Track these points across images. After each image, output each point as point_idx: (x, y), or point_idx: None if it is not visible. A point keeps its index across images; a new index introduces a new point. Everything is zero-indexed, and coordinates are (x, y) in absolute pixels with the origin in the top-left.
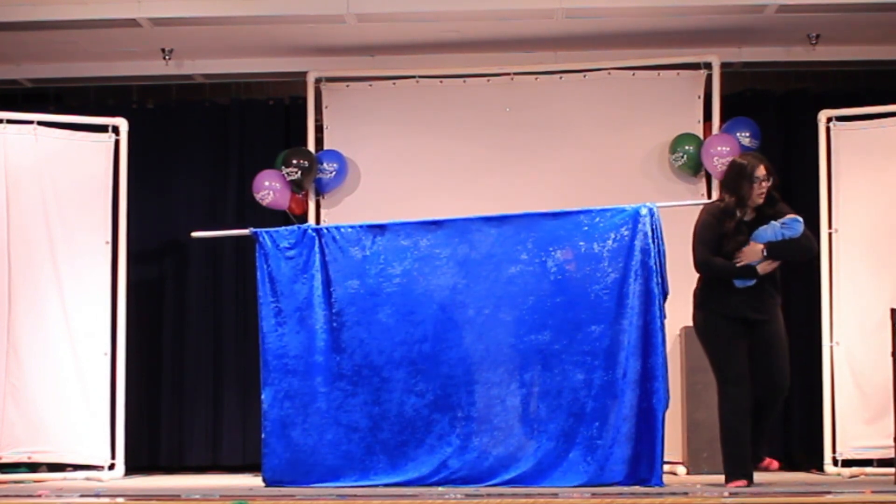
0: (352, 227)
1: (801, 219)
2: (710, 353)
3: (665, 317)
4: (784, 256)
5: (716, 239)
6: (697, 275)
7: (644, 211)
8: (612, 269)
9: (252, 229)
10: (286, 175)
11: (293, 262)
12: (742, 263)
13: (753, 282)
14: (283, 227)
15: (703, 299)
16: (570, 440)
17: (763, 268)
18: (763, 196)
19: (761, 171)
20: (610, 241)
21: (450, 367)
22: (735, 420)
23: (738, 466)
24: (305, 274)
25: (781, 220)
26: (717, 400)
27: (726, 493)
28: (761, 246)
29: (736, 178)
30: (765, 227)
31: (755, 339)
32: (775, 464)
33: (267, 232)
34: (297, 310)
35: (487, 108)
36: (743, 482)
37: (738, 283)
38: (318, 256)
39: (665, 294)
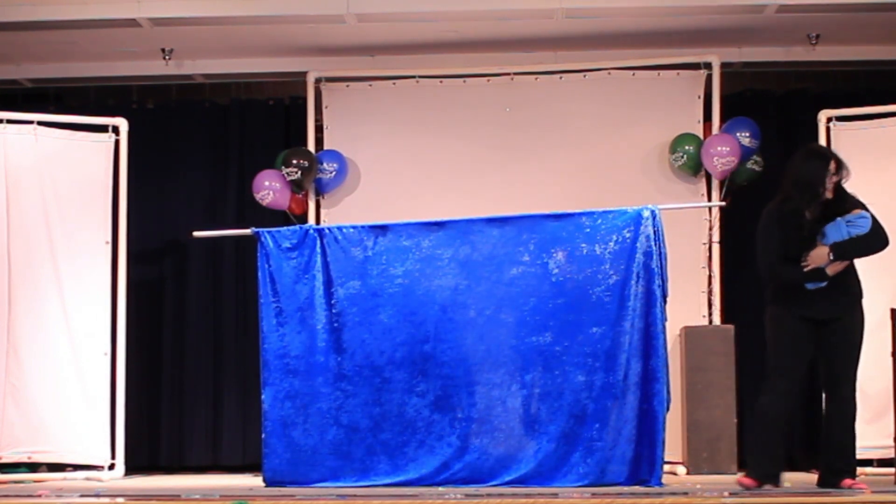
0: (353, 227)
1: (868, 214)
2: (770, 344)
3: (666, 319)
4: (852, 255)
5: (780, 243)
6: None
7: (646, 213)
8: (614, 271)
9: (254, 229)
10: (286, 175)
11: (295, 262)
12: (810, 268)
13: (824, 283)
14: (284, 228)
15: (775, 295)
16: (570, 442)
17: (832, 269)
18: (831, 192)
19: (833, 164)
20: (612, 243)
21: (451, 367)
22: (766, 416)
23: (756, 464)
24: (307, 274)
25: (846, 218)
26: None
27: (726, 494)
28: (827, 249)
29: (804, 173)
30: (832, 224)
31: (822, 339)
32: (858, 484)
33: (269, 232)
34: (299, 310)
35: (487, 108)
36: (752, 482)
37: (810, 286)
38: (319, 257)
39: (665, 296)
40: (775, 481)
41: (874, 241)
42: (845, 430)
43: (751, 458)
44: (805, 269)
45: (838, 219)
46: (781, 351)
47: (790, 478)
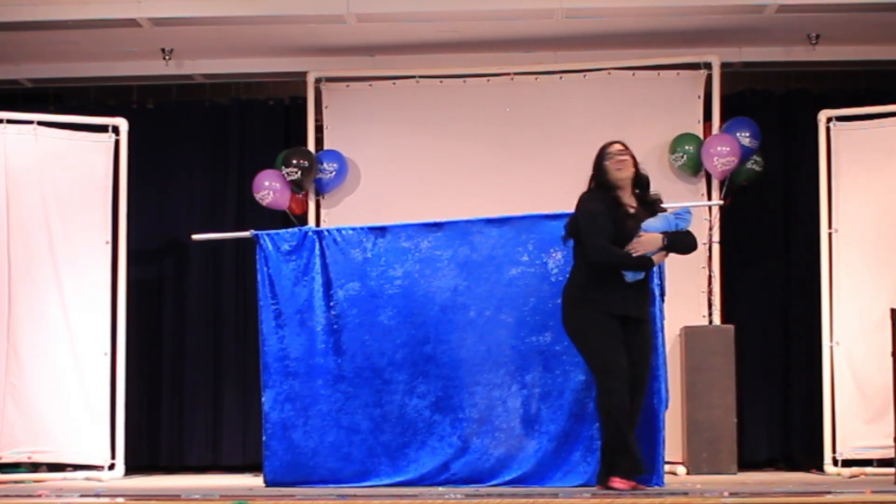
0: (353, 229)
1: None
2: (592, 348)
3: (664, 317)
4: (678, 248)
5: (610, 227)
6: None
7: None
8: None
9: (253, 231)
10: (286, 175)
11: (294, 264)
12: (639, 253)
13: (643, 275)
14: (283, 230)
15: (586, 294)
16: (570, 441)
17: (659, 258)
18: (625, 169)
19: (615, 147)
20: None
21: (451, 368)
22: (619, 415)
23: (627, 463)
24: (306, 276)
25: (675, 212)
26: (601, 397)
27: (726, 494)
28: (660, 235)
29: (596, 161)
30: (654, 218)
31: (629, 338)
32: (624, 484)
33: (268, 234)
34: (298, 312)
35: (487, 108)
36: (630, 484)
37: (630, 277)
38: (318, 259)
39: (662, 294)
40: (642, 473)
41: (694, 238)
42: (634, 422)
43: (620, 460)
44: (633, 255)
45: (662, 213)
46: (605, 349)
47: (790, 478)
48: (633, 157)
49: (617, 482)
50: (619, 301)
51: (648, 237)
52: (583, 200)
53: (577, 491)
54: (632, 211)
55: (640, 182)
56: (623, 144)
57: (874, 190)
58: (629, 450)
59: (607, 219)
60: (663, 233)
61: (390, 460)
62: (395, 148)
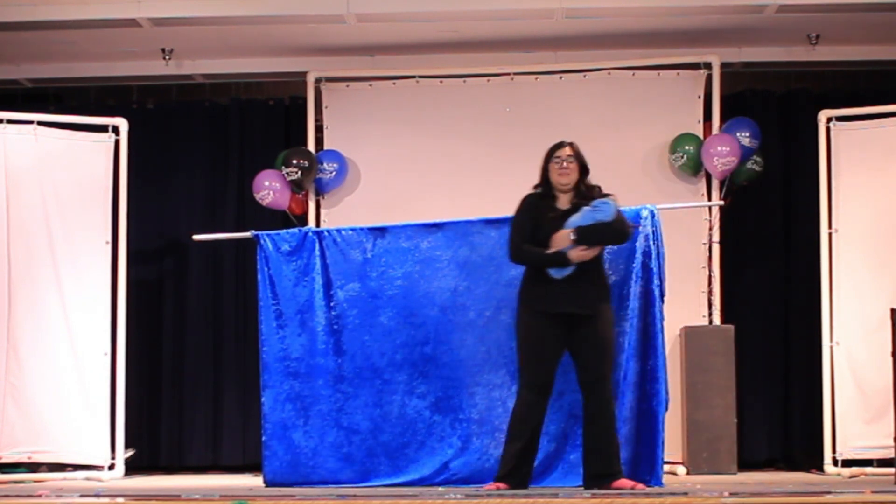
0: (352, 229)
1: (612, 201)
2: (520, 354)
3: (664, 318)
4: (595, 241)
5: (529, 226)
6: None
7: (645, 213)
8: (613, 271)
9: (253, 232)
10: (286, 175)
11: (294, 264)
12: (551, 250)
13: (570, 270)
14: (283, 230)
15: (524, 294)
16: (570, 441)
17: (576, 255)
18: (565, 176)
19: (564, 151)
20: None
21: (451, 369)
22: (517, 425)
23: (502, 469)
24: (306, 277)
25: (593, 204)
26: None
27: (726, 494)
28: (569, 231)
29: (544, 160)
30: (576, 214)
31: (577, 338)
32: (628, 484)
33: (268, 235)
34: (298, 312)
35: (487, 108)
36: (502, 485)
37: (555, 273)
38: (318, 259)
39: (662, 296)
40: (523, 487)
41: (619, 228)
42: (608, 433)
43: (501, 463)
44: (547, 252)
45: (584, 207)
46: (530, 357)
47: (790, 478)
48: (582, 165)
49: (489, 485)
50: (554, 298)
51: (559, 234)
52: (519, 202)
53: (577, 491)
54: (562, 211)
55: (582, 193)
56: (573, 150)
57: (874, 190)
58: (510, 459)
59: (529, 218)
60: (575, 228)
61: (390, 460)
62: (395, 148)
